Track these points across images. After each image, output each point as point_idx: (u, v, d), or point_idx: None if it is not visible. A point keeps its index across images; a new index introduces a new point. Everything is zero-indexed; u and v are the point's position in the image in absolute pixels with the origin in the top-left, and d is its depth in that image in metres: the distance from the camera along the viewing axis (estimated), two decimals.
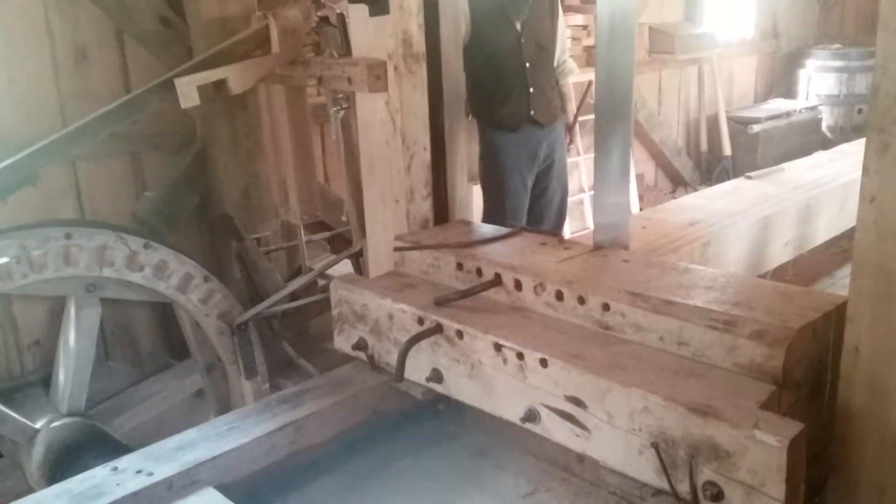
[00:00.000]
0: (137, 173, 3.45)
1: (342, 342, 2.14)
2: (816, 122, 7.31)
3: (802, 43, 7.84)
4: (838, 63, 7.34)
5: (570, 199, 4.16)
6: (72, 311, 2.81)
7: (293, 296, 3.06)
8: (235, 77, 2.82)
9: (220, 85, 2.83)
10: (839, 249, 3.62)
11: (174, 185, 3.41)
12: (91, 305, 2.82)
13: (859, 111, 7.23)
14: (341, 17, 2.71)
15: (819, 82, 7.50)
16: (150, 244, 2.83)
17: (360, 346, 2.06)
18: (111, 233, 2.77)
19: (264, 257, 3.23)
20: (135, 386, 3.12)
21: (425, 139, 2.40)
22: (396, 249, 2.22)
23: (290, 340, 3.13)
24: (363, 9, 2.29)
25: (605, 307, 1.73)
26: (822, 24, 8.11)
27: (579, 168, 5.64)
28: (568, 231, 5.07)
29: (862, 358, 1.51)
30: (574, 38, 5.21)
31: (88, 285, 2.79)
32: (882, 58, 1.37)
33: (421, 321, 1.89)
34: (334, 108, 2.83)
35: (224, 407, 3.08)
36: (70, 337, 2.81)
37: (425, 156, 2.41)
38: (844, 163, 3.58)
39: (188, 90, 2.75)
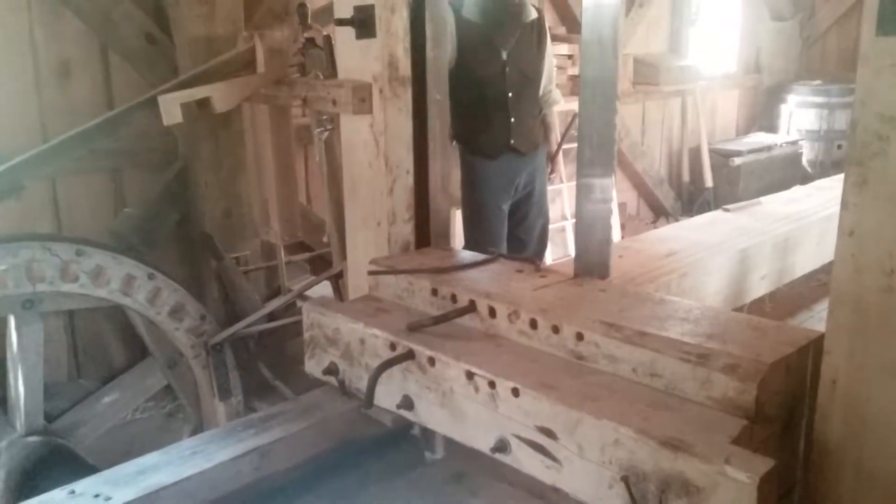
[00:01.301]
0: (117, 190, 3.42)
1: (313, 366, 2.11)
2: (797, 156, 7.40)
3: (784, 78, 7.97)
4: (819, 99, 7.46)
5: (552, 227, 4.17)
6: (12, 330, 2.75)
7: (271, 316, 3.04)
8: (220, 95, 2.82)
9: (204, 103, 2.82)
10: (817, 283, 3.64)
11: (154, 203, 3.39)
12: (31, 322, 2.74)
13: (839, 147, 7.33)
14: (328, 39, 2.72)
15: (800, 117, 7.62)
16: (82, 250, 2.73)
17: (331, 370, 2.03)
18: (37, 245, 2.67)
19: (243, 277, 3.21)
20: (94, 394, 3.05)
21: (409, 162, 2.40)
22: (371, 273, 2.20)
23: (266, 362, 3.09)
24: (350, 31, 2.30)
25: (579, 337, 1.71)
26: (804, 59, 8.25)
27: (562, 196, 5.67)
28: (550, 258, 5.07)
29: (839, 391, 1.50)
30: (559, 68, 5.25)
31: (25, 301, 2.70)
32: (861, 93, 1.38)
33: (393, 347, 1.86)
34: (318, 130, 2.83)
35: (194, 399, 3.02)
36: (16, 356, 2.74)
37: (408, 179, 2.40)
38: (822, 197, 3.60)
39: (171, 107, 2.74)
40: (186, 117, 2.74)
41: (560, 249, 5.61)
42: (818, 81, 7.69)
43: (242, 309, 3.08)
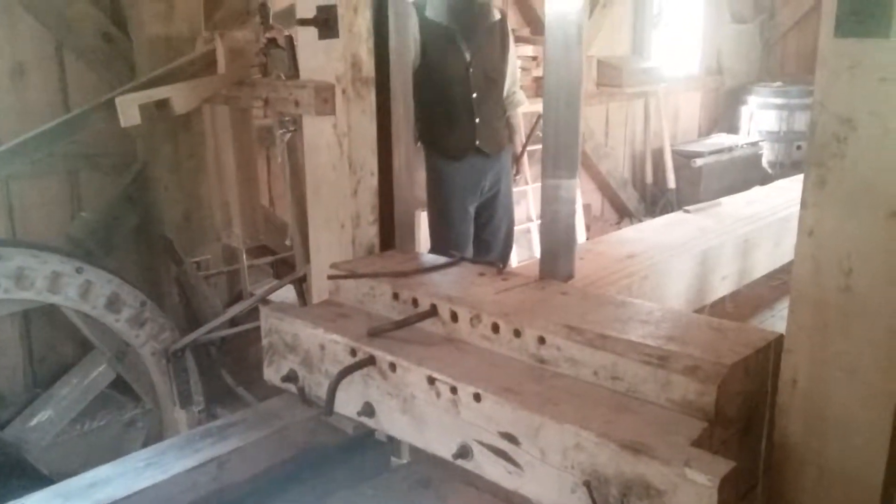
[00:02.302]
0: (74, 193, 3.34)
1: (272, 374, 2.08)
2: (757, 157, 7.51)
3: (745, 80, 8.09)
4: (779, 100, 7.58)
5: (517, 228, 4.17)
6: None
7: (233, 322, 2.99)
8: (179, 97, 2.76)
9: (164, 104, 2.77)
10: (778, 282, 3.69)
11: (112, 206, 3.31)
12: None
13: (798, 147, 7.46)
14: (290, 40, 2.68)
15: (761, 118, 7.73)
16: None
17: (291, 377, 2.00)
18: None
19: (204, 282, 3.16)
20: (41, 396, 2.97)
21: (373, 164, 2.37)
22: (330, 278, 2.17)
23: (229, 368, 3.04)
24: (312, 32, 2.27)
25: (541, 340, 1.71)
26: (764, 61, 8.39)
27: (527, 197, 5.68)
28: (515, 260, 5.08)
29: (800, 390, 1.52)
30: (524, 69, 5.26)
31: None
32: (820, 95, 1.39)
33: (353, 352, 1.84)
34: (281, 131, 2.79)
35: (148, 389, 2.95)
36: None
37: (372, 181, 2.38)
38: (781, 198, 3.65)
39: (129, 109, 2.68)
40: (145, 119, 2.69)
41: (525, 251, 5.62)
42: (778, 83, 7.82)
43: (203, 314, 3.03)
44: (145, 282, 3.24)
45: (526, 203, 5.70)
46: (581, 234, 5.68)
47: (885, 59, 1.31)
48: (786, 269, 3.24)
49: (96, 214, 3.27)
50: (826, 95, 1.38)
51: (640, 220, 6.53)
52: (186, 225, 3.37)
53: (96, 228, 3.23)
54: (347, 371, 1.78)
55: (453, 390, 1.63)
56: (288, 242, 3.15)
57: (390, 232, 2.48)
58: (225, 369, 3.04)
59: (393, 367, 1.75)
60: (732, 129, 7.94)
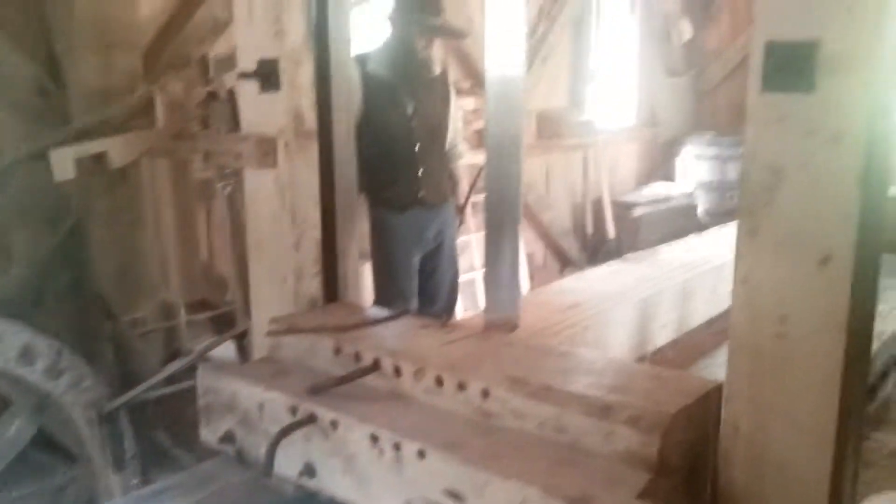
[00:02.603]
0: (3, 249, 3.22)
1: (209, 435, 2.01)
2: (693, 206, 7.73)
3: (680, 131, 8.35)
4: (712, 151, 7.83)
5: (462, 278, 4.17)
6: None
7: (170, 380, 2.89)
8: (116, 150, 2.73)
9: (100, 158, 2.72)
10: (717, 329, 3.76)
11: (43, 262, 3.20)
12: None
13: (731, 197, 7.69)
14: (230, 93, 2.67)
15: (695, 169, 7.97)
16: None
17: (228, 438, 1.93)
18: None
19: (139, 339, 3.06)
20: None
21: (315, 216, 2.36)
22: (269, 334, 2.12)
23: (165, 429, 2.94)
24: (253, 85, 2.27)
25: (485, 393, 1.70)
26: (697, 113, 8.69)
27: (471, 247, 5.71)
28: (461, 310, 5.08)
29: (741, 437, 1.53)
30: (465, 122, 5.34)
31: None
32: (750, 146, 1.44)
33: (294, 411, 1.79)
34: (221, 184, 2.77)
35: (75, 439, 2.81)
36: None
37: (315, 233, 2.36)
38: (716, 247, 3.73)
39: (63, 162, 2.63)
40: (80, 172, 2.63)
41: (471, 301, 5.62)
42: (711, 134, 8.10)
43: (139, 373, 2.93)
44: (78, 340, 3.12)
45: (470, 253, 5.73)
46: (525, 284, 5.72)
47: (811, 113, 1.36)
48: (724, 316, 3.31)
49: (26, 270, 3.16)
50: (756, 147, 1.43)
51: (583, 269, 6.62)
52: (122, 281, 3.28)
53: (26, 285, 3.11)
54: (287, 430, 1.73)
55: (397, 447, 1.60)
56: (228, 297, 3.09)
57: (334, 285, 2.45)
58: (161, 430, 2.93)
59: (335, 424, 1.71)
60: (669, 178, 8.18)
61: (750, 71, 1.42)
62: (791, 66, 1.36)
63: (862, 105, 1.32)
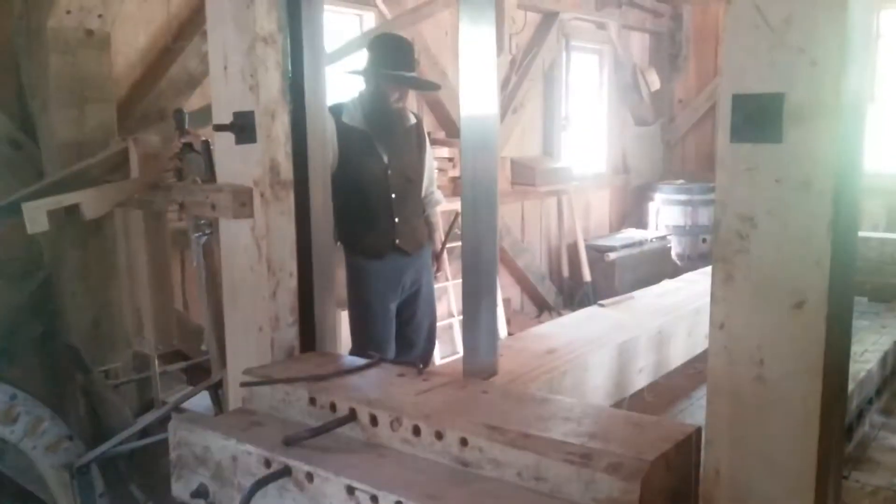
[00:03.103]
0: None
1: (180, 489, 1.95)
2: (666, 250, 7.83)
3: (650, 177, 8.52)
4: (682, 196, 7.99)
5: (439, 325, 4.17)
6: None
7: (144, 432, 2.83)
8: (90, 202, 2.71)
9: (73, 209, 2.70)
10: (694, 371, 3.78)
11: (15, 314, 3.15)
12: None
13: (704, 240, 7.82)
14: (206, 144, 2.68)
15: (667, 214, 8.11)
16: None
17: (201, 493, 1.87)
18: None
19: (112, 391, 3.00)
20: None
21: (292, 265, 2.35)
22: (243, 385, 2.08)
23: (138, 482, 2.86)
24: (229, 136, 2.28)
25: (464, 442, 1.67)
26: (667, 161, 8.88)
27: (448, 293, 5.72)
28: (438, 356, 5.05)
29: (723, 480, 1.54)
30: (441, 170, 5.40)
31: None
32: (721, 195, 1.47)
33: (268, 463, 1.75)
34: (196, 234, 2.75)
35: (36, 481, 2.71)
36: None
37: (291, 282, 2.35)
38: (690, 291, 3.79)
39: (36, 215, 2.60)
40: (53, 224, 2.60)
41: (448, 346, 5.61)
42: (681, 181, 8.26)
43: (111, 426, 2.87)
44: (49, 392, 3.06)
45: (447, 299, 5.73)
46: (502, 329, 5.72)
47: (779, 162, 1.40)
48: (700, 359, 3.34)
49: None
50: (727, 196, 1.47)
51: (560, 313, 6.64)
52: (95, 332, 3.23)
53: None
54: (261, 483, 1.69)
55: (374, 499, 1.57)
56: (204, 347, 3.05)
57: (311, 333, 2.43)
58: (135, 484, 2.86)
59: (310, 477, 1.67)
60: (641, 223, 8.30)
61: (718, 122, 1.46)
62: (758, 118, 1.40)
63: (829, 153, 1.37)
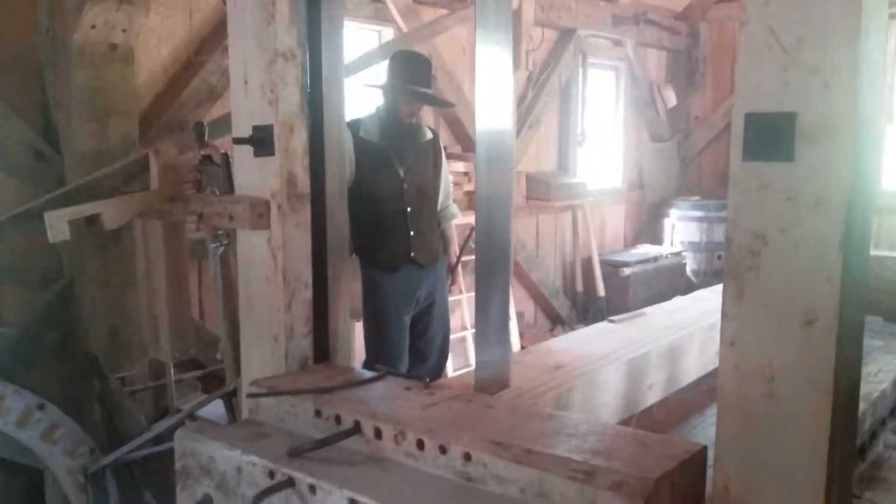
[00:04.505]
0: None
1: (185, 499, 1.95)
2: (681, 266, 7.81)
3: (666, 194, 8.51)
4: (698, 213, 7.97)
5: (452, 337, 4.18)
6: None
7: (158, 439, 2.86)
8: (110, 212, 2.75)
9: (94, 219, 2.74)
10: (707, 387, 3.76)
11: (33, 322, 3.20)
12: None
13: (719, 257, 7.79)
14: (225, 157, 2.72)
15: (682, 230, 8.09)
16: None
17: (205, 503, 1.88)
18: None
19: (129, 397, 3.04)
20: None
21: (307, 276, 2.38)
22: (249, 396, 2.10)
23: (151, 489, 2.89)
24: (248, 149, 2.31)
25: (467, 457, 1.66)
26: (682, 177, 8.86)
27: (462, 306, 5.74)
28: (451, 368, 5.06)
29: (732, 498, 1.53)
30: (456, 184, 5.43)
31: None
32: (733, 213, 1.49)
33: (272, 475, 1.75)
34: (214, 245, 2.78)
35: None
36: None
37: (307, 293, 2.38)
38: (702, 307, 3.76)
39: (58, 224, 2.64)
40: (74, 234, 2.65)
41: (461, 359, 5.62)
42: (696, 197, 8.25)
43: (127, 432, 2.90)
44: (66, 399, 3.10)
45: (461, 312, 5.75)
46: (515, 342, 5.72)
47: (791, 180, 1.41)
48: (713, 375, 3.32)
49: (16, 330, 3.15)
50: (739, 213, 1.48)
51: (573, 328, 6.63)
52: (113, 341, 3.27)
53: (16, 344, 3.10)
54: (264, 495, 1.69)
55: None
56: (219, 356, 3.08)
57: (326, 344, 2.45)
58: (148, 490, 2.88)
59: (313, 489, 1.67)
60: (656, 239, 8.28)
61: (732, 140, 1.47)
62: (771, 137, 1.41)
63: (841, 172, 1.37)
